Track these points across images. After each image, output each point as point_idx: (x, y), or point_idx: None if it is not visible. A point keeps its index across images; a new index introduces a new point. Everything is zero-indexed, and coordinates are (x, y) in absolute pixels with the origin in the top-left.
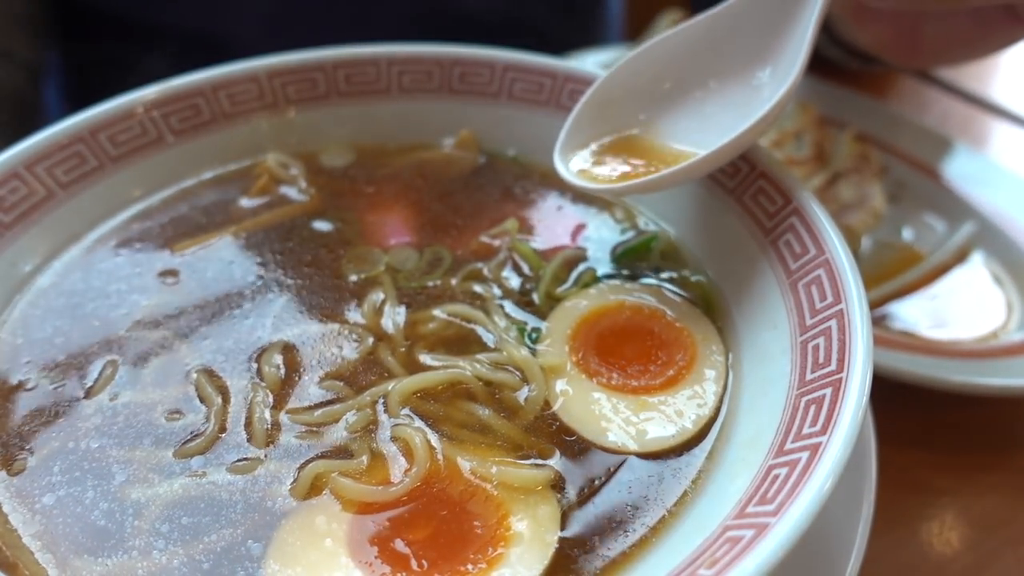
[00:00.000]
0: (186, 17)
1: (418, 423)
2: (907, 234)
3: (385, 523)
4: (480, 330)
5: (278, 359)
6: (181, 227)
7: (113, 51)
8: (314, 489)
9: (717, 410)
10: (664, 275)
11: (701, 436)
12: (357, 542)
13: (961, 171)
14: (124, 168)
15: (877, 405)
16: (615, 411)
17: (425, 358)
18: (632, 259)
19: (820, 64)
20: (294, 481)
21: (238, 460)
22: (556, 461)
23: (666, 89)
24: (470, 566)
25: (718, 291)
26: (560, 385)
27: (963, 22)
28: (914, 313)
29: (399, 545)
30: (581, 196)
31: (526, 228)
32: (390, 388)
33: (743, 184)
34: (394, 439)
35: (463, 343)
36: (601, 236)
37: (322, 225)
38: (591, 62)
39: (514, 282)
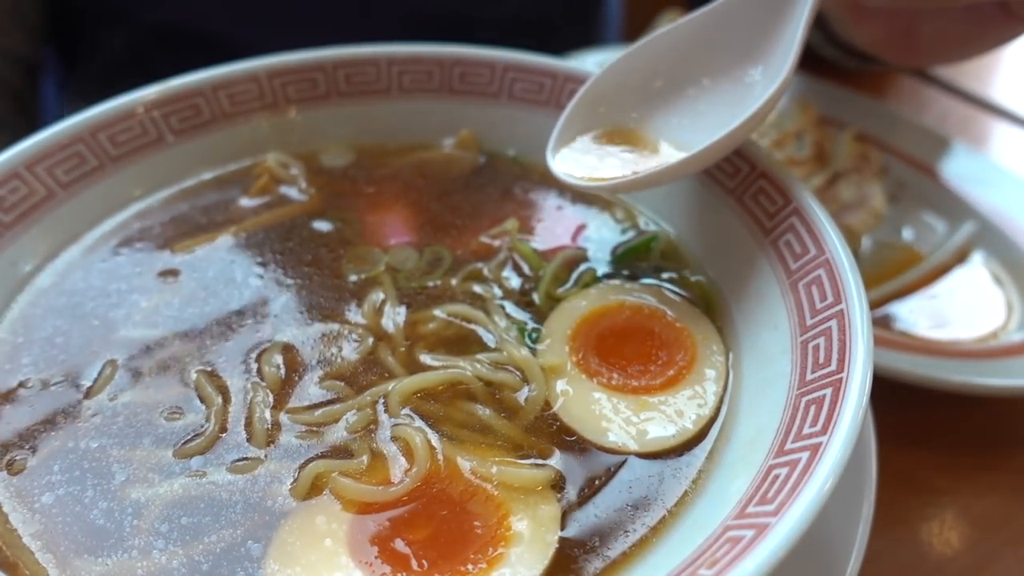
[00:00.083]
0: (186, 17)
1: (418, 423)
2: (907, 234)
3: (385, 523)
4: (480, 330)
5: (278, 359)
6: (181, 227)
7: (113, 51)
8: (314, 489)
9: (717, 410)
10: (664, 275)
11: (701, 436)
12: (357, 542)
13: (961, 171)
14: (124, 168)
15: (877, 405)
16: (615, 411)
17: (425, 358)
18: (632, 259)
19: (819, 64)
20: (294, 481)
21: (238, 460)
22: (556, 461)
23: (659, 87)
24: (470, 566)
25: (718, 291)
26: (560, 385)
27: (958, 20)
28: (914, 313)
29: (399, 545)
30: (581, 196)
31: (526, 228)
32: (390, 388)
33: (743, 184)
34: (394, 439)
35: (463, 343)
36: (601, 236)
37: (322, 225)
38: (591, 62)
39: (514, 282)
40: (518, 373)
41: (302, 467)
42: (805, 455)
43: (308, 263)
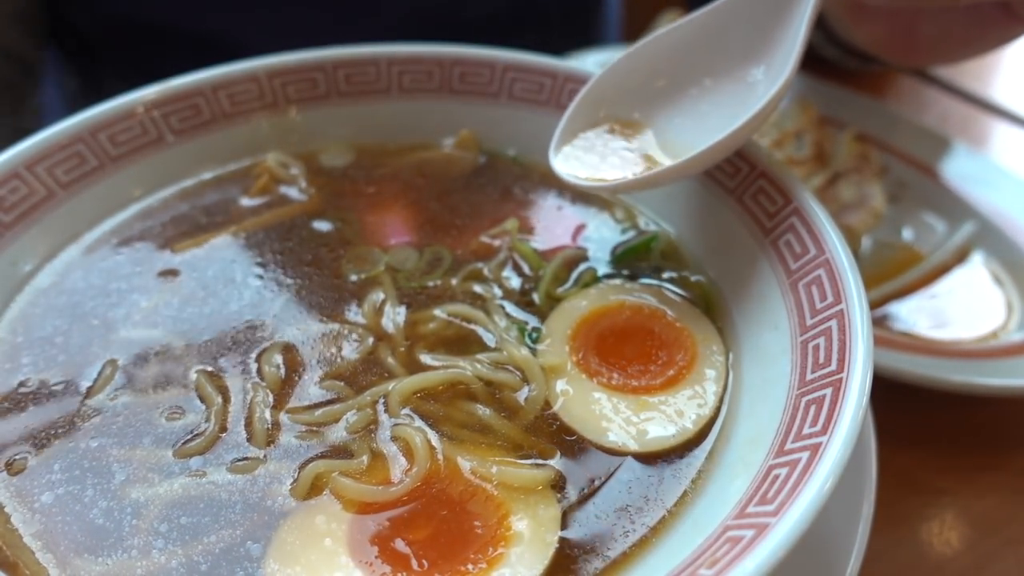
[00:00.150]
0: (186, 17)
1: (418, 423)
2: (907, 234)
3: (385, 523)
4: (480, 330)
5: (278, 359)
6: (181, 227)
7: (113, 51)
8: (314, 489)
9: (717, 410)
10: (664, 275)
11: (701, 436)
12: (357, 542)
13: (961, 171)
14: (124, 168)
15: (877, 405)
16: (615, 411)
17: (425, 358)
18: (632, 259)
19: (819, 64)
20: (294, 481)
21: (238, 460)
22: (556, 461)
23: (660, 87)
24: (470, 566)
25: (718, 291)
26: (560, 385)
27: (959, 20)
28: (914, 313)
29: (399, 545)
30: (581, 196)
31: (526, 228)
32: (390, 388)
33: (743, 184)
34: (394, 439)
35: (463, 343)
36: (601, 236)
37: (322, 225)
38: (591, 62)
39: (514, 282)
40: (518, 373)
41: (302, 467)
42: (805, 455)
43: (308, 263)
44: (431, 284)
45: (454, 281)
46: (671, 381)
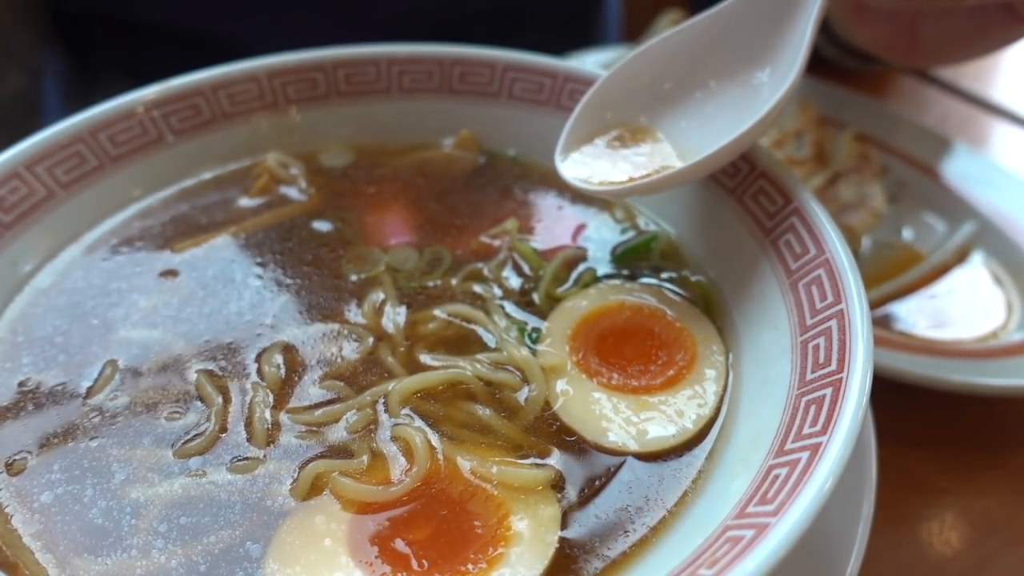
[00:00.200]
0: (186, 17)
1: (418, 423)
2: (907, 234)
3: (385, 523)
4: (480, 330)
5: (278, 359)
6: (181, 227)
7: (113, 51)
8: (314, 489)
9: (717, 410)
10: (664, 275)
11: (701, 436)
12: (357, 542)
13: (961, 171)
14: (124, 168)
15: (877, 405)
16: (615, 411)
17: (425, 358)
18: (632, 259)
19: (819, 64)
20: (294, 481)
21: (238, 460)
22: (556, 461)
23: (666, 90)
24: (470, 566)
25: (718, 291)
26: (560, 385)
27: (961, 21)
28: (914, 313)
29: (399, 545)
30: (581, 196)
31: (526, 228)
32: (390, 388)
33: (743, 184)
34: (394, 439)
35: (463, 343)
36: (601, 236)
37: (322, 225)
38: (591, 62)
39: (514, 282)
40: (518, 373)
41: (302, 467)
42: (805, 455)
43: (308, 263)
44: (431, 284)
45: (454, 281)
46: (671, 381)
